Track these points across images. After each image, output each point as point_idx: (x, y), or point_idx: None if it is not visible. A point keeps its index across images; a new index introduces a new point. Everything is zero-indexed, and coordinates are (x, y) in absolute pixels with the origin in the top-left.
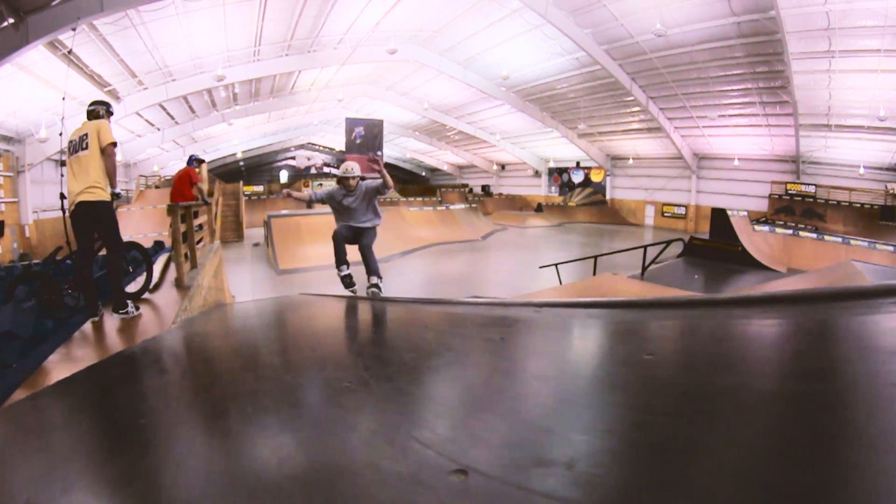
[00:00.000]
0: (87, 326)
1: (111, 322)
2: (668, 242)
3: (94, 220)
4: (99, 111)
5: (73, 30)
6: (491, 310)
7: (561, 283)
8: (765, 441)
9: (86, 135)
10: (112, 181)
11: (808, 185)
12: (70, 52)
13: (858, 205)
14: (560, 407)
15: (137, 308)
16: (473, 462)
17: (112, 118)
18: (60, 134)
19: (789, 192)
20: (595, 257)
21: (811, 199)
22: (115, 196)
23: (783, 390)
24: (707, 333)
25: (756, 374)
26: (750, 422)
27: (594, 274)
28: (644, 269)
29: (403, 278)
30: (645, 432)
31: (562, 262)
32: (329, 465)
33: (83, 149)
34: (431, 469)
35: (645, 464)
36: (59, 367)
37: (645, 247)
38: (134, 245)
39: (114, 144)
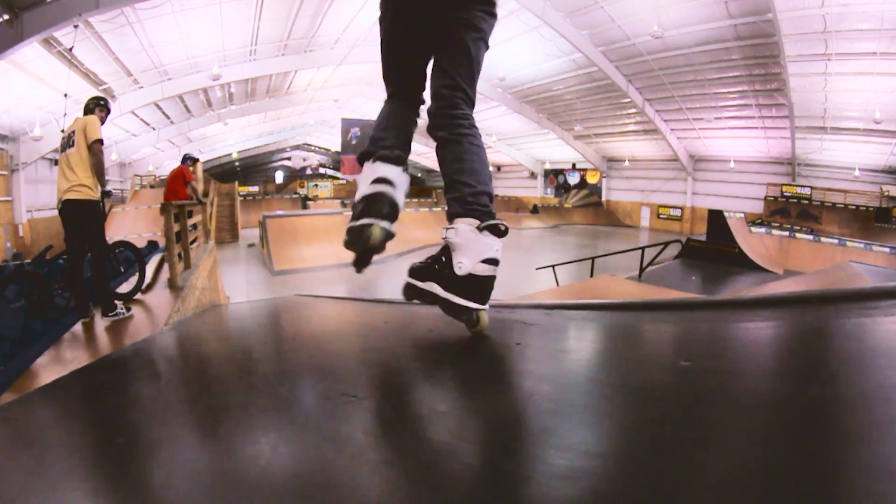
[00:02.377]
0: (78, 328)
1: (102, 323)
2: (667, 244)
3: (78, 219)
4: (90, 105)
5: (76, 27)
6: (498, 312)
7: (558, 284)
8: (854, 457)
9: (74, 132)
10: (101, 179)
11: (804, 187)
12: (71, 49)
13: (853, 207)
14: (607, 426)
15: (129, 309)
16: (521, 502)
17: (109, 116)
18: (62, 131)
19: (785, 194)
20: (592, 259)
21: (806, 201)
22: (106, 194)
23: (848, 398)
24: (742, 336)
25: (815, 381)
26: (824, 436)
27: (591, 276)
28: (641, 270)
29: (400, 280)
30: (714, 453)
31: (559, 264)
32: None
33: (70, 146)
34: None
35: (733, 498)
36: (48, 369)
37: (642, 248)
38: (126, 245)
39: (100, 142)
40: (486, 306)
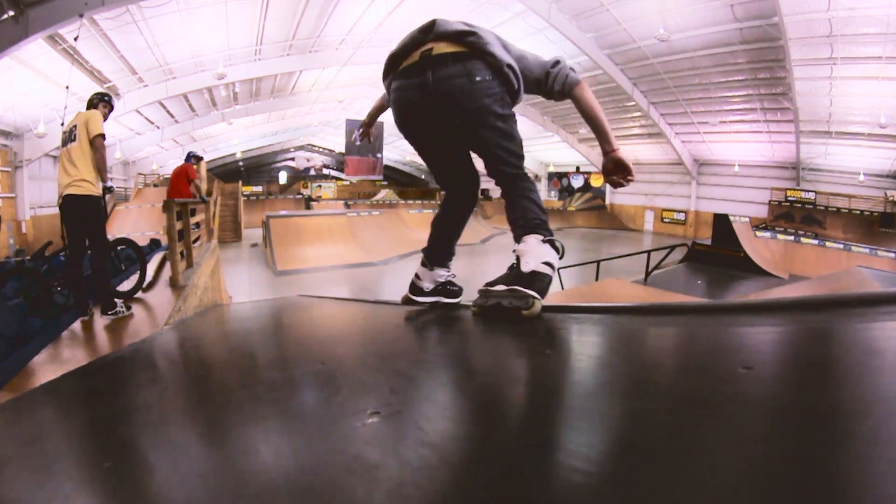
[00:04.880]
0: (77, 326)
1: (101, 322)
2: (672, 248)
3: (79, 214)
4: (94, 100)
5: (81, 16)
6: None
7: (563, 288)
8: None
9: (75, 126)
10: (102, 175)
11: (808, 191)
12: (76, 38)
13: (858, 212)
14: (674, 447)
15: (129, 308)
16: None
17: (112, 113)
18: (62, 124)
19: (789, 198)
20: (598, 262)
21: (811, 206)
22: (107, 190)
23: None
24: (791, 340)
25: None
26: None
27: (597, 279)
28: (647, 274)
29: (403, 280)
30: (808, 472)
31: (563, 267)
32: None
33: (72, 140)
34: None
35: None
36: (45, 368)
37: (648, 252)
38: (128, 242)
39: (102, 136)
40: (543, 298)
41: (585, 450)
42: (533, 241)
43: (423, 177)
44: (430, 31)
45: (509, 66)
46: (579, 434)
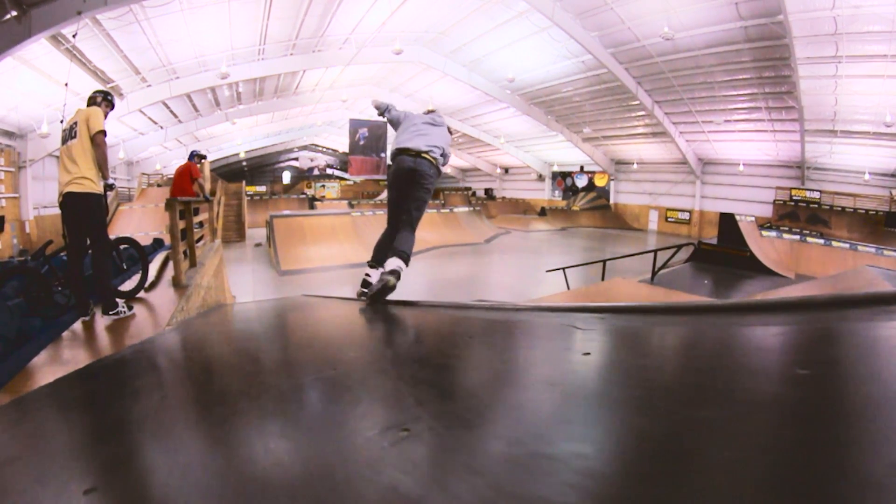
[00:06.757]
0: (77, 326)
1: (102, 322)
2: (679, 247)
3: (79, 213)
4: (96, 98)
5: (79, 13)
6: (539, 317)
7: (569, 287)
8: None
9: (76, 123)
10: (104, 172)
11: (813, 191)
12: (74, 35)
13: (863, 211)
14: (767, 461)
15: (131, 308)
16: None
17: (113, 112)
18: (61, 121)
19: (794, 197)
20: (604, 262)
21: (816, 205)
22: (109, 187)
23: None
24: (843, 338)
25: None
26: None
27: (602, 279)
28: (654, 273)
29: (407, 280)
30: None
31: (569, 266)
32: None
33: (72, 138)
34: None
35: None
36: (44, 369)
37: (655, 251)
38: (130, 241)
39: (103, 133)
40: (395, 280)
41: (670, 482)
42: (393, 259)
43: None
44: (422, 148)
45: (440, 168)
46: (654, 458)
